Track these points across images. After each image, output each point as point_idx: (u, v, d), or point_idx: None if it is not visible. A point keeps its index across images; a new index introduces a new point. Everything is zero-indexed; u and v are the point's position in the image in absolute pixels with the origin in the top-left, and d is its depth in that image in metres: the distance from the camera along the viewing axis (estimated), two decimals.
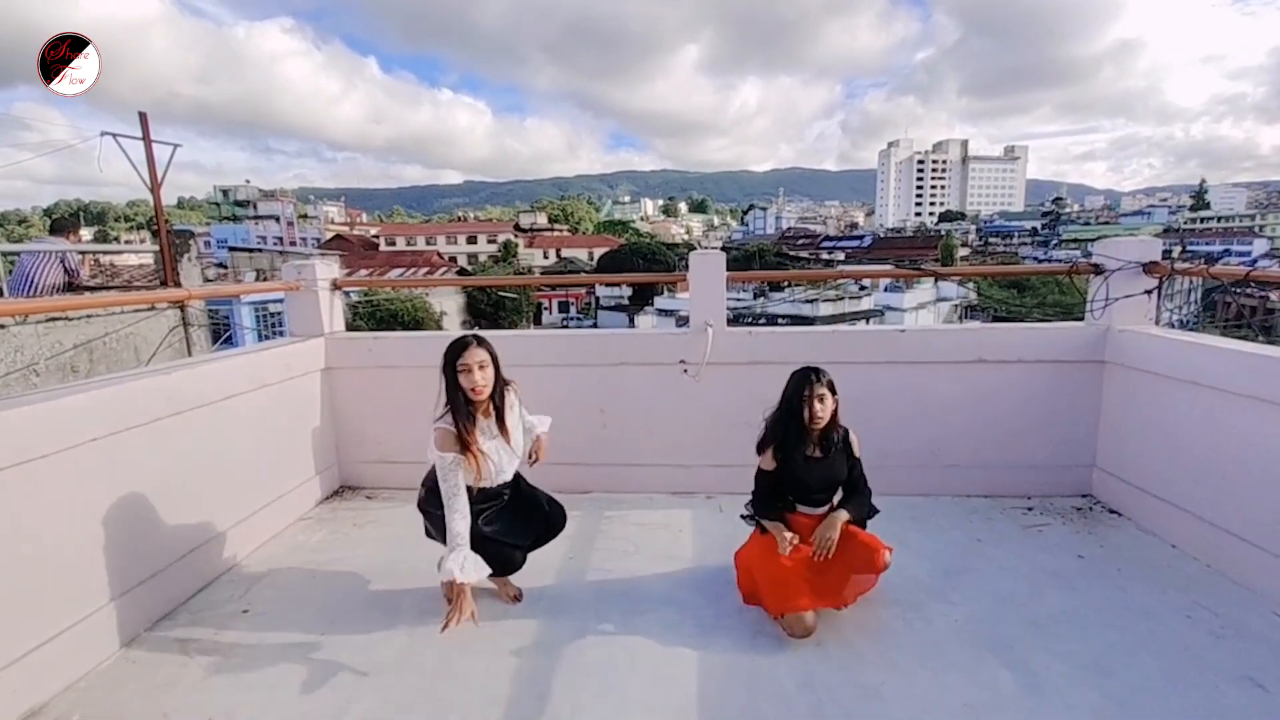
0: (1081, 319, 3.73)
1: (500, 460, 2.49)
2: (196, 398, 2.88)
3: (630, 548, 3.19)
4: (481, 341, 2.42)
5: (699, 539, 3.26)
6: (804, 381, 2.48)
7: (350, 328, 4.34)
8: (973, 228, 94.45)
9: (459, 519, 2.34)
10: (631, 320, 31.58)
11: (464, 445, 2.37)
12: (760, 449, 2.59)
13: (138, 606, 2.53)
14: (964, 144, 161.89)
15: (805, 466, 2.53)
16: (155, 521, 2.64)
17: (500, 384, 2.47)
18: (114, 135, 6.78)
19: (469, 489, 2.42)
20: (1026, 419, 3.61)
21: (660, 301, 32.16)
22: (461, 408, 2.39)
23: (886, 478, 3.61)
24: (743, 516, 2.73)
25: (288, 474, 3.55)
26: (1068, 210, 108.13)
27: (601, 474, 3.84)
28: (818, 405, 2.46)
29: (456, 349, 2.39)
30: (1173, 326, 4.04)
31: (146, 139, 6.76)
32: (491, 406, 2.48)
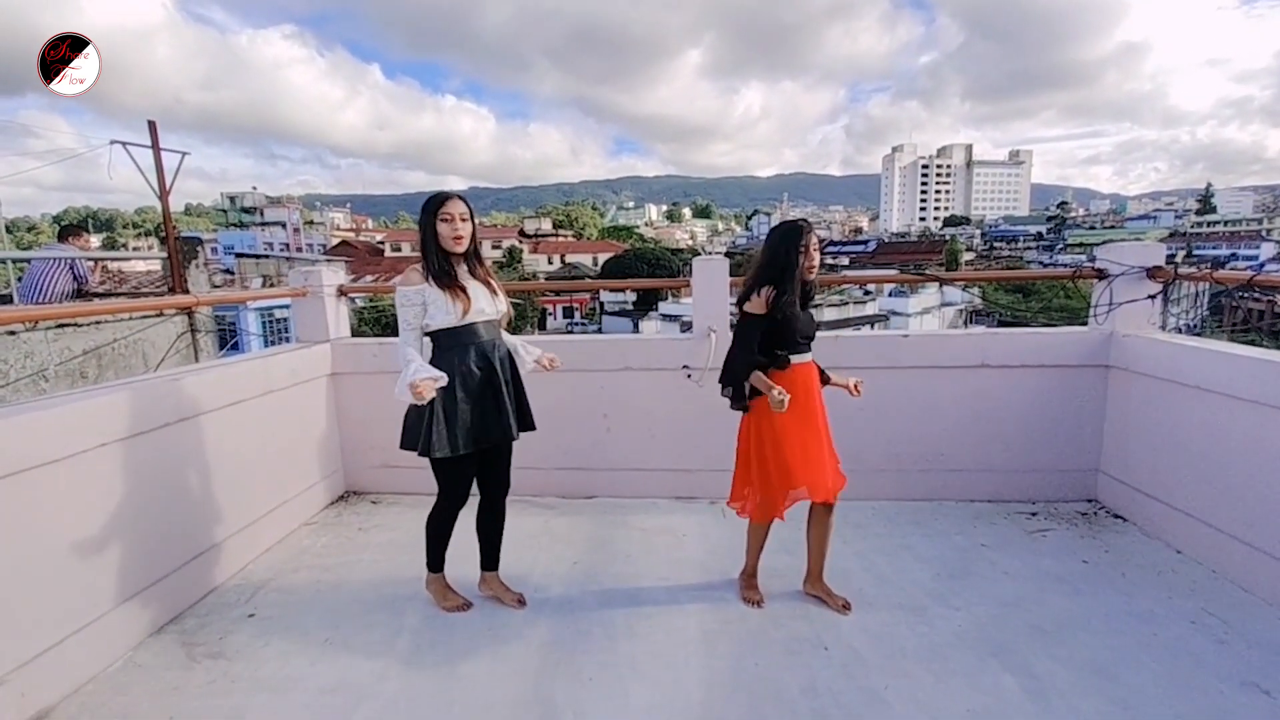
0: (1086, 324, 3.73)
1: (479, 299, 2.44)
2: (203, 403, 2.90)
3: (633, 552, 3.19)
4: (463, 199, 2.43)
5: (702, 544, 3.26)
6: (797, 232, 2.46)
7: (356, 333, 4.37)
8: (977, 232, 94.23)
9: (412, 350, 2.34)
10: (636, 325, 31.58)
11: (443, 279, 2.35)
12: (751, 293, 2.46)
13: (145, 610, 2.55)
14: (968, 148, 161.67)
15: (798, 316, 2.50)
16: (162, 526, 2.66)
17: (477, 247, 2.50)
18: (124, 144, 6.85)
19: (459, 331, 2.40)
20: (1030, 424, 3.61)
21: (664, 307, 32.14)
22: (437, 253, 2.38)
23: (890, 482, 3.63)
24: (727, 384, 2.59)
25: (293, 479, 3.57)
26: (1073, 214, 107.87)
27: (605, 479, 3.86)
28: (815, 255, 2.48)
29: (439, 199, 2.39)
30: (1180, 331, 4.02)
31: (155, 148, 6.82)
32: (464, 260, 2.47)
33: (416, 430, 2.40)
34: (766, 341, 2.49)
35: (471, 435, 2.43)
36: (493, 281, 2.53)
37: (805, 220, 2.56)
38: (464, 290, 2.39)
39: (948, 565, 2.96)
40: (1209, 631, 2.43)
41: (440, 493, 2.57)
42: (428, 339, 2.44)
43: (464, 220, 2.39)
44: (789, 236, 2.46)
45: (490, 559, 2.79)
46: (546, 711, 2.12)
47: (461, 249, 2.41)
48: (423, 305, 2.37)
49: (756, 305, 2.45)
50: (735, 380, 2.53)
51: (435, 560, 2.72)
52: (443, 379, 2.29)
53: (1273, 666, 2.22)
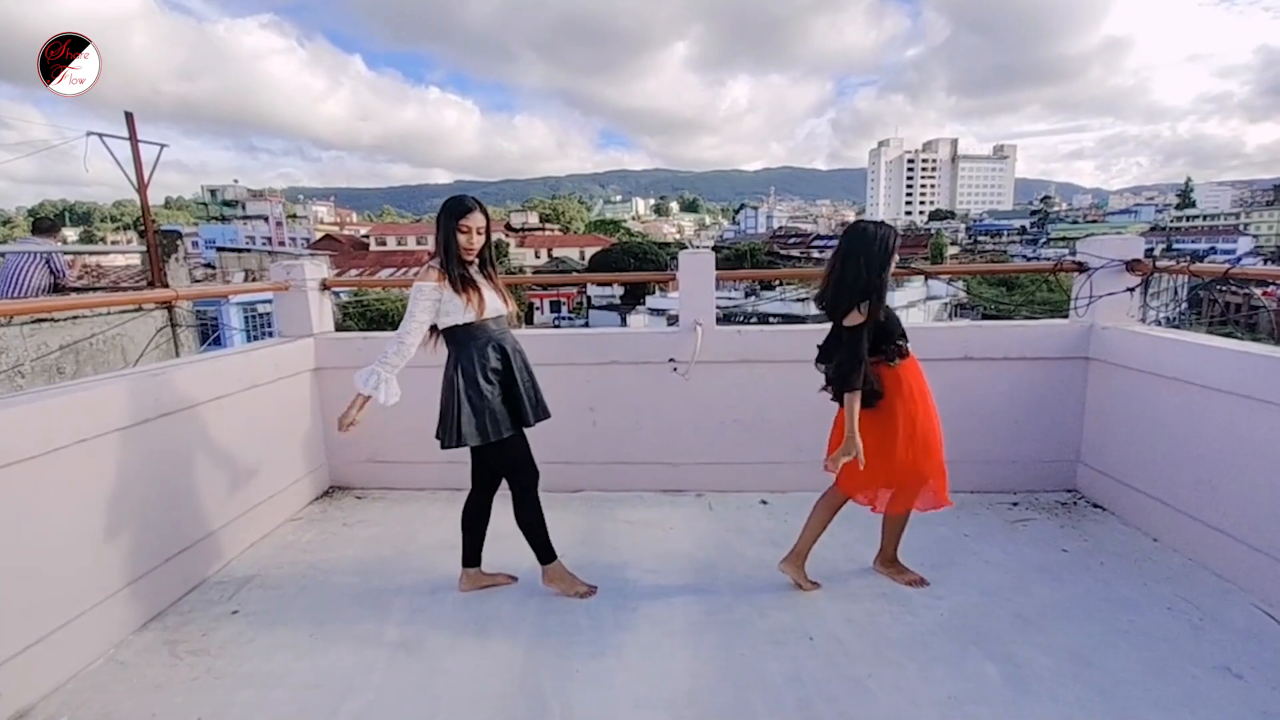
0: (1067, 316, 3.78)
1: (491, 298, 2.56)
2: (184, 399, 2.87)
3: (620, 545, 3.20)
4: (482, 208, 2.53)
5: (688, 536, 3.28)
6: (893, 233, 2.42)
7: (340, 328, 4.33)
8: (962, 226, 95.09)
9: (400, 347, 2.45)
10: (623, 319, 31.57)
11: (460, 282, 2.46)
12: (851, 309, 2.38)
13: (126, 608, 2.53)
14: (953, 143, 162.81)
15: (894, 313, 2.49)
16: (143, 523, 2.63)
17: (490, 249, 2.61)
18: (100, 135, 6.72)
19: (473, 326, 2.50)
20: (1012, 415, 3.65)
21: (652, 301, 32.16)
22: (455, 256, 2.48)
23: None
24: (839, 384, 2.44)
25: (277, 474, 3.54)
26: (1056, 209, 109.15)
27: (591, 472, 3.86)
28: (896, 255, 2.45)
29: (463, 208, 2.47)
30: (1160, 324, 4.09)
31: (133, 139, 6.71)
32: (480, 263, 2.60)
33: (446, 426, 2.50)
34: (875, 341, 2.46)
35: (507, 421, 2.53)
36: (499, 283, 2.64)
37: (890, 225, 2.52)
38: (478, 290, 2.50)
39: (931, 555, 3.00)
40: (1184, 618, 2.48)
41: (510, 481, 2.65)
42: (434, 333, 2.57)
43: (480, 233, 2.52)
44: (889, 235, 2.41)
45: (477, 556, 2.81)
46: (534, 703, 2.12)
47: (470, 259, 2.53)
48: (438, 302, 2.47)
49: (856, 318, 2.39)
50: (855, 381, 2.41)
51: (546, 551, 2.73)
52: (387, 401, 2.47)
53: (1246, 651, 2.27)
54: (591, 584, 2.76)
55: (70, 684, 2.24)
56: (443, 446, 2.51)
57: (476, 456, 2.66)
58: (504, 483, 2.72)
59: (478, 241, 2.52)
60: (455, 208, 2.49)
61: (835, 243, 2.54)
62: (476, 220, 2.50)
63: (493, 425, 2.49)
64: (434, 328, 2.56)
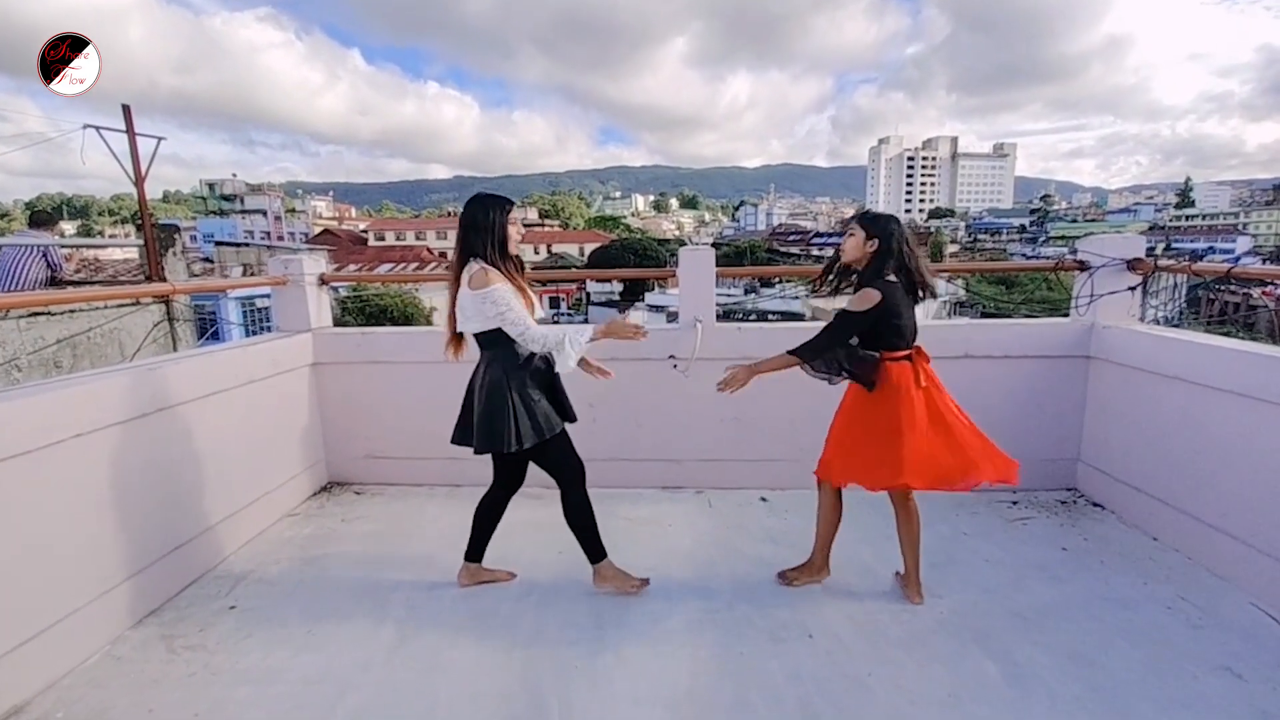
0: (1068, 315, 3.77)
1: (533, 300, 2.55)
2: (182, 394, 2.85)
3: (620, 543, 3.17)
4: None
5: (688, 533, 3.27)
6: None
7: (339, 323, 4.31)
8: (962, 224, 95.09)
9: (530, 332, 2.38)
10: (623, 316, 31.50)
11: (515, 280, 2.44)
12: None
13: (122, 603, 2.51)
14: (953, 141, 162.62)
15: None
16: (140, 518, 2.62)
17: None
18: (97, 128, 6.69)
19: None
20: (1012, 414, 3.64)
21: (651, 297, 32.10)
22: (509, 253, 2.45)
23: None
24: None
25: (275, 470, 3.53)
26: (1055, 207, 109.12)
27: (591, 469, 3.79)
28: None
29: (507, 204, 2.46)
30: (1158, 323, 4.07)
31: (130, 132, 6.68)
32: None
33: (499, 431, 2.40)
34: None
35: (555, 416, 2.54)
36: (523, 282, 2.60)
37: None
38: (527, 290, 2.48)
39: (931, 554, 2.98)
40: (1184, 617, 2.48)
41: (560, 478, 2.67)
42: (472, 338, 2.50)
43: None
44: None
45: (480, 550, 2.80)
46: (533, 701, 2.11)
47: (516, 252, 2.52)
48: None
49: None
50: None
51: (596, 550, 2.71)
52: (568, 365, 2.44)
53: (1245, 651, 2.27)
54: (643, 577, 2.72)
55: (66, 679, 2.23)
56: (479, 451, 2.47)
57: (504, 456, 2.58)
58: (521, 485, 2.74)
59: (520, 236, 2.52)
60: (501, 201, 2.44)
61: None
62: (517, 214, 2.50)
63: (546, 423, 2.47)
64: (459, 335, 2.51)
